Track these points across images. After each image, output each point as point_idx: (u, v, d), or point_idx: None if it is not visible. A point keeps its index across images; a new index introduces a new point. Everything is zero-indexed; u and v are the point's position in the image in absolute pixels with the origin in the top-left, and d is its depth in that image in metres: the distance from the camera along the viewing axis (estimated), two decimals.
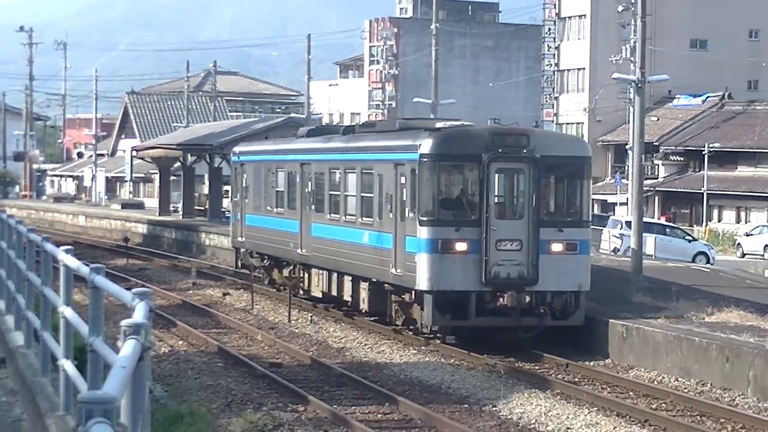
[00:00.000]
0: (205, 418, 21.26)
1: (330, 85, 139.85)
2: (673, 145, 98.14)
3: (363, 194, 33.56)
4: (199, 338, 32.47)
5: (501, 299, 29.29)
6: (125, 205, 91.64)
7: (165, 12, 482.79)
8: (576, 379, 27.36)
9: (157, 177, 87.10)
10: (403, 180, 30.79)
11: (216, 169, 71.75)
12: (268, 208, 41.54)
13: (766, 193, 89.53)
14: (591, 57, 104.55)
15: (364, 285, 33.37)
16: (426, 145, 29.84)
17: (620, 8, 65.26)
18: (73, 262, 13.41)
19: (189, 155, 73.09)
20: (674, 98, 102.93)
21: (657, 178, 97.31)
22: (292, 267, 39.99)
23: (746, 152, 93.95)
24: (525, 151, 29.61)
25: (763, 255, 74.71)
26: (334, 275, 35.65)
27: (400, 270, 30.51)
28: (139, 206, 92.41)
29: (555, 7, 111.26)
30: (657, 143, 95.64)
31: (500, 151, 29.56)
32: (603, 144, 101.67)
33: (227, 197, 66.90)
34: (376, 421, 22.73)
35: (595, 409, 23.92)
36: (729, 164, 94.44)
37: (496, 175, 29.90)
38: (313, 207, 37.18)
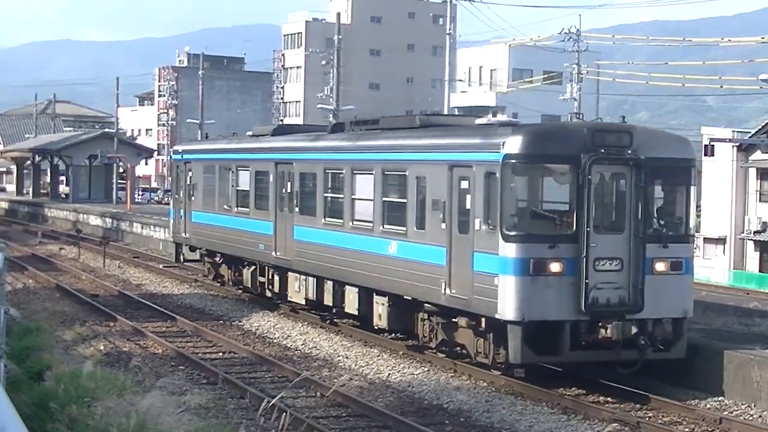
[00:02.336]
0: (48, 330, 29.78)
1: (132, 110, 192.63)
2: None
3: (388, 199, 28.00)
4: (42, 278, 45.60)
5: (603, 330, 23.07)
6: None
7: (21, 58, 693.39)
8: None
9: (15, 170, 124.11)
10: (464, 185, 24.39)
11: (54, 165, 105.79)
12: (226, 207, 37.88)
13: None
14: (304, 94, 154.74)
15: (380, 299, 28.07)
16: (513, 143, 23.21)
17: (323, 62, 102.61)
18: None
19: (36, 156, 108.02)
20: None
21: None
22: (256, 268, 36.52)
23: None
24: (629, 151, 23.53)
25: None
26: (328, 283, 30.98)
27: (461, 292, 24.15)
28: (2, 190, 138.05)
29: (281, 61, 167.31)
30: None
31: (602, 151, 23.33)
32: None
33: (63, 184, 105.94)
34: (162, 332, 32.63)
35: None
36: None
37: (596, 181, 23.48)
38: (296, 209, 32.80)
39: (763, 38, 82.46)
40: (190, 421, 19.12)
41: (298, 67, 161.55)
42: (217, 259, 39.97)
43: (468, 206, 24.24)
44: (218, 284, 41.08)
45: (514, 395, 23.95)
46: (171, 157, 45.10)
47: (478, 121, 27.98)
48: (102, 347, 29.52)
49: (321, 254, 30.89)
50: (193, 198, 41.29)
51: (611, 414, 22.08)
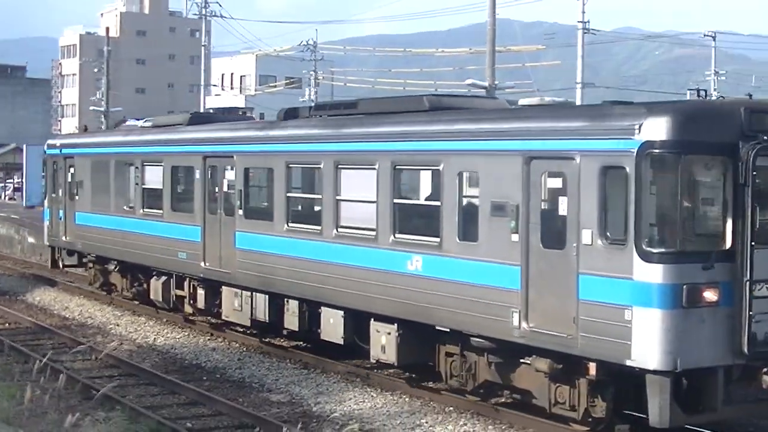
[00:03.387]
0: None
1: None
2: None
3: (403, 201, 19.37)
4: None
5: (766, 377, 15.34)
6: None
7: None
8: None
9: None
10: (554, 183, 16.28)
11: None
12: (126, 208, 29.36)
13: None
14: (79, 98, 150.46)
15: (384, 327, 19.49)
16: (656, 127, 14.79)
17: (95, 70, 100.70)
18: None
19: None
20: (126, 120, 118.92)
21: None
22: (169, 279, 27.93)
23: None
24: None
25: None
26: (291, 303, 22.38)
27: (552, 326, 15.91)
28: None
29: (59, 69, 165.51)
30: None
31: (765, 138, 15.14)
32: None
33: None
34: None
35: None
36: None
37: (762, 178, 15.35)
38: (240, 212, 23.81)
39: (470, 49, 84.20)
40: None
41: (73, 75, 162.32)
42: (111, 266, 31.69)
43: (562, 212, 15.96)
44: (104, 293, 33.21)
45: (263, 354, 24.12)
46: (45, 151, 35.92)
47: (525, 101, 19.83)
48: None
49: (281, 268, 22.31)
50: (77, 197, 32.68)
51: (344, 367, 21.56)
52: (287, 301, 22.49)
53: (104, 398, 18.52)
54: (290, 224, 22.13)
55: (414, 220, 19.33)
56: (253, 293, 23.61)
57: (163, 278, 28.11)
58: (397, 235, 19.08)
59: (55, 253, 35.64)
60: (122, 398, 19.34)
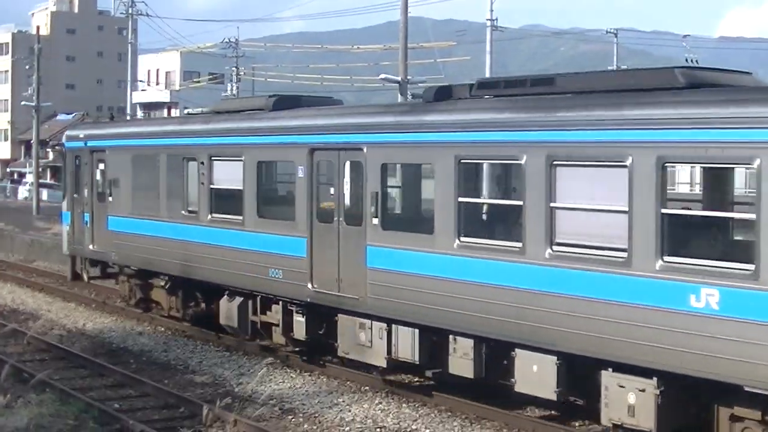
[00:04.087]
0: None
1: None
2: (57, 140, 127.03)
3: (672, 210, 13.73)
4: None
5: None
6: None
7: None
8: None
9: None
10: None
11: None
12: (184, 213, 22.92)
13: None
14: (12, 93, 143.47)
15: (634, 382, 13.88)
16: None
17: (27, 67, 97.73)
18: None
19: None
20: (57, 115, 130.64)
21: (48, 159, 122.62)
22: (246, 300, 21.39)
23: None
24: None
25: None
26: (462, 342, 16.41)
27: None
28: None
29: None
30: (48, 140, 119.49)
31: None
32: (20, 140, 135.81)
33: None
34: None
35: None
36: None
37: None
38: (375, 221, 17.59)
39: (385, 46, 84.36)
40: None
41: (6, 72, 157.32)
42: (158, 282, 25.12)
43: None
44: (140, 311, 26.75)
45: (187, 337, 23.98)
46: (63, 144, 29.00)
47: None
48: None
49: (446, 295, 16.26)
50: (109, 199, 26.14)
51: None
52: (454, 339, 16.56)
53: (36, 381, 18.41)
54: (464, 239, 16.01)
55: (699, 239, 14.01)
56: (393, 325, 17.66)
57: (238, 300, 21.66)
58: (667, 259, 13.39)
59: (76, 263, 28.74)
60: (53, 381, 19.23)
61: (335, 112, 19.66)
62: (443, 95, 17.35)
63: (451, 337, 16.56)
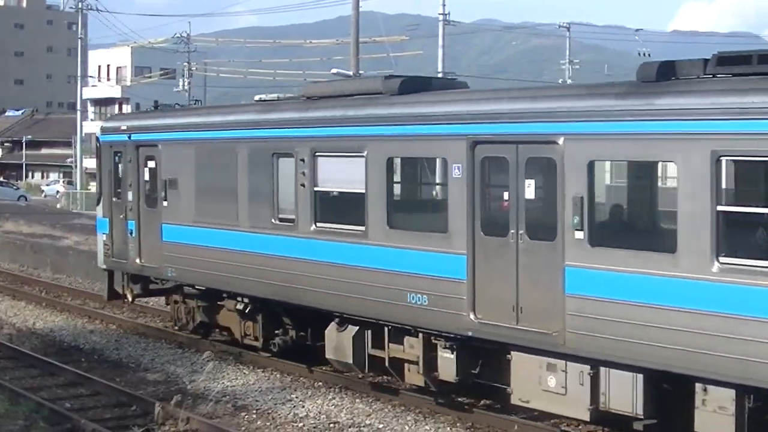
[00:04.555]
0: None
1: None
2: (5, 136, 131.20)
3: None
4: None
5: None
6: None
7: None
8: None
9: None
10: None
11: None
12: (275, 221, 18.69)
13: (55, 163, 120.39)
14: None
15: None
16: None
17: None
18: None
19: None
20: (5, 111, 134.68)
21: None
22: (363, 330, 17.40)
23: (47, 141, 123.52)
24: None
25: (56, 197, 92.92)
26: (716, 394, 12.61)
27: None
28: None
29: None
30: None
31: None
32: None
33: None
34: None
35: None
36: (36, 148, 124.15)
37: None
38: (580, 235, 13.69)
39: (337, 40, 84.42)
40: None
41: None
42: (233, 305, 20.56)
43: None
44: (198, 336, 22.74)
45: (139, 335, 23.75)
46: (98, 138, 24.67)
47: None
48: None
49: (692, 332, 12.54)
50: (164, 203, 21.86)
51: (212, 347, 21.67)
52: (705, 390, 12.72)
53: None
54: (724, 259, 12.23)
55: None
56: (601, 369, 13.83)
57: (352, 329, 17.59)
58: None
59: (114, 279, 24.50)
60: (2, 381, 19.08)
61: (509, 96, 15.45)
62: (667, 73, 13.36)
63: (698, 385, 12.80)
